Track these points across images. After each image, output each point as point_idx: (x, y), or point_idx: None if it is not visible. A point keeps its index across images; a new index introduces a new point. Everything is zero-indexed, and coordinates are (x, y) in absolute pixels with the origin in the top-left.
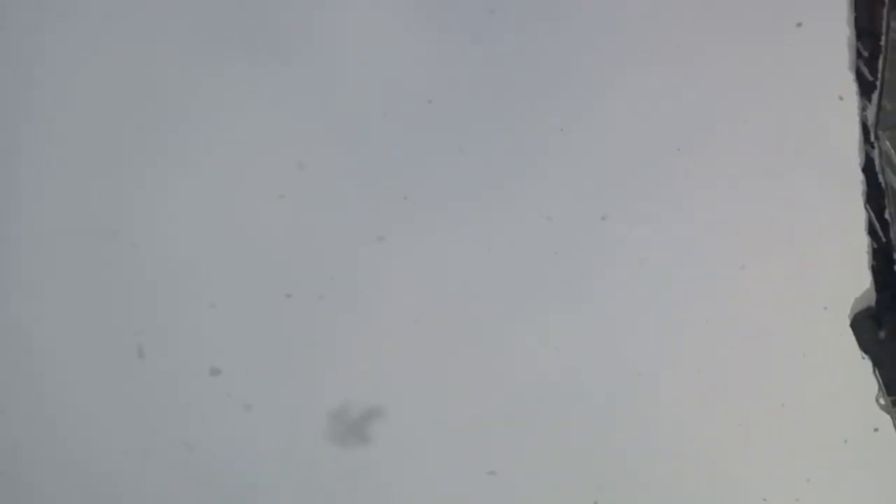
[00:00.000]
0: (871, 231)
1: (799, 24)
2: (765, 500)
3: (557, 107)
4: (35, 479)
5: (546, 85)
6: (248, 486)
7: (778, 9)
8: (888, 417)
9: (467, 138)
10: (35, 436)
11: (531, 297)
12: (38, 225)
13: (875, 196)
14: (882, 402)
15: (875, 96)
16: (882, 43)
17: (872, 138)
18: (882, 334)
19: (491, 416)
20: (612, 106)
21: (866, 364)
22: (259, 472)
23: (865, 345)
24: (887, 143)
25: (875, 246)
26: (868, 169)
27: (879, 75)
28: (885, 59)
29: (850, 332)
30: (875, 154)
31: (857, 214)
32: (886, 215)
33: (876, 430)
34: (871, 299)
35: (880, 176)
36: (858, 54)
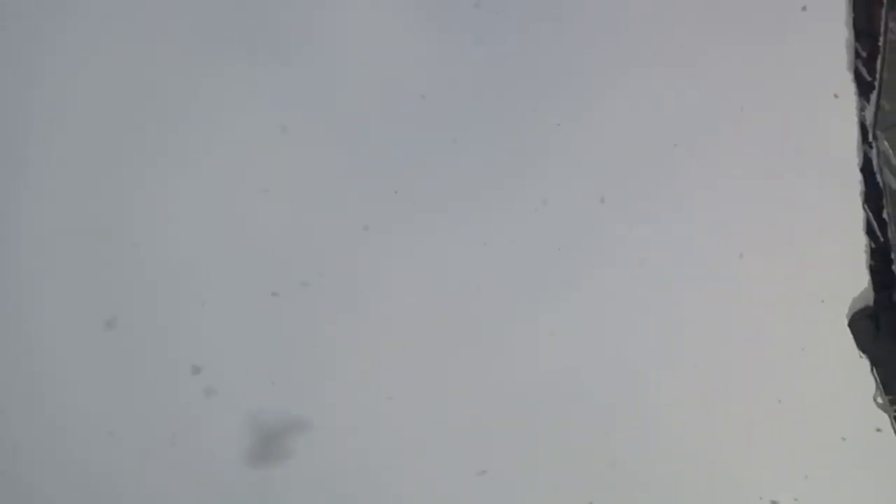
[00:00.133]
0: (869, 231)
1: (804, 8)
2: (761, 498)
3: (558, 107)
4: (35, 479)
5: (547, 85)
6: (248, 485)
7: (780, 9)
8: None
9: (467, 138)
10: (35, 435)
11: (528, 294)
12: (37, 225)
13: (873, 196)
14: (880, 400)
15: (873, 97)
16: (880, 43)
17: (870, 138)
18: (880, 334)
19: (482, 413)
20: (612, 106)
21: (865, 362)
22: (258, 473)
23: (863, 344)
24: (885, 144)
25: (873, 246)
26: (866, 169)
27: (878, 76)
28: (883, 59)
29: (847, 330)
30: (873, 154)
31: (855, 214)
32: (884, 215)
33: (879, 430)
34: (869, 299)
35: (878, 176)
36: (857, 55)
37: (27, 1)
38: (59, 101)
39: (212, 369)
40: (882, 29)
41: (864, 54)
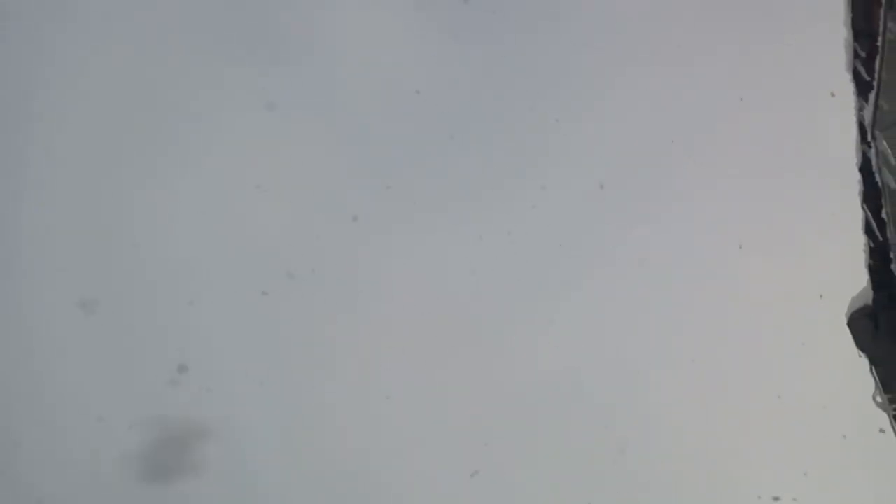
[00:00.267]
0: (868, 230)
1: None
2: (760, 497)
3: (556, 105)
4: (35, 479)
5: (545, 83)
6: (248, 486)
7: (779, 9)
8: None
9: (465, 135)
10: (34, 435)
11: (526, 292)
12: (38, 224)
13: (872, 195)
14: (879, 399)
15: (872, 96)
16: (879, 43)
17: (869, 138)
18: (879, 333)
19: (480, 412)
20: (611, 104)
21: (864, 361)
22: (259, 473)
23: (862, 343)
24: (884, 143)
25: (872, 245)
26: (865, 168)
27: (876, 76)
28: (881, 59)
29: (846, 329)
30: (872, 154)
31: (854, 213)
32: (883, 214)
33: (882, 431)
34: (868, 298)
35: (877, 175)
36: (856, 55)
37: (27, 1)
38: (58, 100)
39: (198, 369)
40: (881, 29)
41: (862, 54)
